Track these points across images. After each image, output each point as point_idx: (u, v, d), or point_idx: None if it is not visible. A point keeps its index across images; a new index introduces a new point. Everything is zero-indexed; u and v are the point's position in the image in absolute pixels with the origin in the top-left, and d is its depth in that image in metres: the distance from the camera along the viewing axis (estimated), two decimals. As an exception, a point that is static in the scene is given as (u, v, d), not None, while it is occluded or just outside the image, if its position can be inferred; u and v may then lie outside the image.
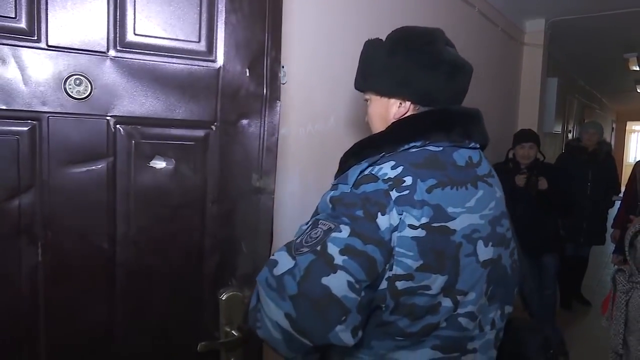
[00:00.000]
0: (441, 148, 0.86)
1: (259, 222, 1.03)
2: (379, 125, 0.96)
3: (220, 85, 0.96)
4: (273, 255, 0.80)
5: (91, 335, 0.91)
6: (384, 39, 0.97)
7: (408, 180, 0.79)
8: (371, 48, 0.97)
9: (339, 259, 0.73)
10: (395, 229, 0.77)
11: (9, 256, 0.82)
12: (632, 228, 1.85)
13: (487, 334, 0.90)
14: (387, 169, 0.81)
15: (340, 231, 0.75)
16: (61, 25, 0.81)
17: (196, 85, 0.94)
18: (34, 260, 0.84)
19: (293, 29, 1.48)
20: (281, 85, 1.04)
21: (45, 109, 0.81)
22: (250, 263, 1.03)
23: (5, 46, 0.77)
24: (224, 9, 0.95)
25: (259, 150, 1.02)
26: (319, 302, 0.72)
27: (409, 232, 0.77)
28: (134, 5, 0.87)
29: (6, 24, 0.77)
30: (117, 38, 0.86)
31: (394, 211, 0.77)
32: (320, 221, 0.79)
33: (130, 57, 0.88)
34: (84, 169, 0.86)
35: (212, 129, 0.97)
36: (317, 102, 1.63)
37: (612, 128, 11.03)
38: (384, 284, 0.78)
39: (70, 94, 0.83)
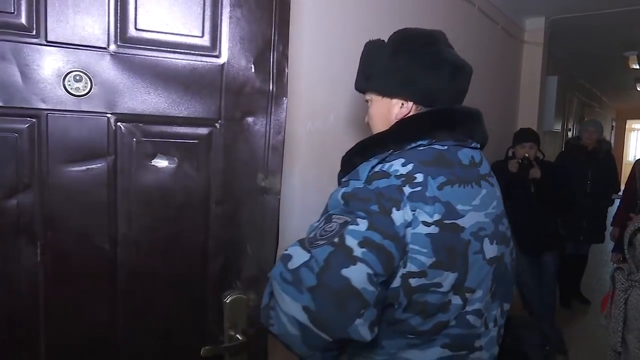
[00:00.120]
0: (446, 147, 0.88)
1: (264, 223, 1.01)
2: (380, 126, 0.96)
3: (224, 81, 0.94)
4: (286, 250, 0.79)
5: (91, 335, 0.89)
6: (384, 38, 0.97)
7: (419, 177, 0.80)
8: (373, 49, 0.97)
9: (358, 251, 0.72)
10: (409, 224, 0.77)
11: (8, 256, 0.81)
12: (631, 226, 1.84)
13: (491, 331, 0.92)
14: (397, 166, 0.82)
15: (358, 224, 0.75)
16: (60, 21, 0.79)
17: (199, 81, 0.92)
18: (33, 260, 0.83)
19: (292, 27, 1.45)
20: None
21: (44, 106, 0.80)
22: (256, 265, 1.01)
23: (4, 42, 0.76)
24: (228, 2, 0.93)
25: (265, 148, 0.99)
26: (339, 293, 0.70)
27: (422, 229, 0.78)
28: (135, -1, 0.85)
29: (5, 19, 0.76)
30: (118, 33, 0.84)
31: (408, 207, 0.78)
32: (335, 215, 0.79)
33: (131, 52, 0.86)
34: (84, 167, 0.84)
35: (216, 126, 0.95)
36: (316, 101, 1.61)
37: (612, 126, 11.04)
38: (397, 281, 0.78)
39: (70, 90, 0.81)
